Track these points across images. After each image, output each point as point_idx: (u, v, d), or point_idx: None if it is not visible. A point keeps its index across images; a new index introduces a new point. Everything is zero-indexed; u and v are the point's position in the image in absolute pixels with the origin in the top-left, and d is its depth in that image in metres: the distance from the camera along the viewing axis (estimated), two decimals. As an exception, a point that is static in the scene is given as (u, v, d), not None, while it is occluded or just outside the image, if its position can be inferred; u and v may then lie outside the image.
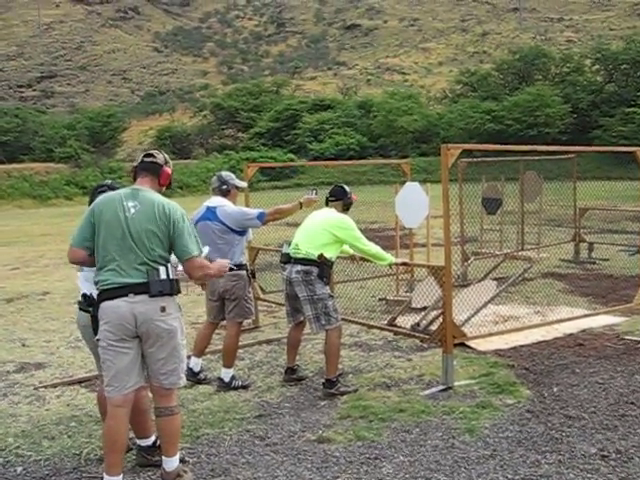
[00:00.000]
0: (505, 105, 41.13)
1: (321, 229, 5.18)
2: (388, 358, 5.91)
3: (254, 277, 5.89)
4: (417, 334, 5.70)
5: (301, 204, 5.49)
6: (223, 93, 57.99)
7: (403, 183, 7.83)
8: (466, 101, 44.63)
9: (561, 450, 3.92)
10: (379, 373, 5.50)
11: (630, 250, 11.04)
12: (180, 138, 50.51)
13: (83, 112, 50.92)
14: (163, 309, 3.53)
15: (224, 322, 5.53)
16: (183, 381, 3.72)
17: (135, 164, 3.82)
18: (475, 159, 11.13)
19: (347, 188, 5.48)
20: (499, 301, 7.25)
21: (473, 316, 5.98)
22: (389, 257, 5.41)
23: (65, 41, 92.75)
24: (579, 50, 53.90)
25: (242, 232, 5.37)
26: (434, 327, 5.50)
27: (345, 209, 5.42)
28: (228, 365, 5.30)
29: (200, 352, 5.55)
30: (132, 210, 3.58)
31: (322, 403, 4.88)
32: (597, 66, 44.86)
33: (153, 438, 3.95)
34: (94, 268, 3.66)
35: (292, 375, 5.40)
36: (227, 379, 5.26)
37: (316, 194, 5.63)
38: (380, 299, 8.24)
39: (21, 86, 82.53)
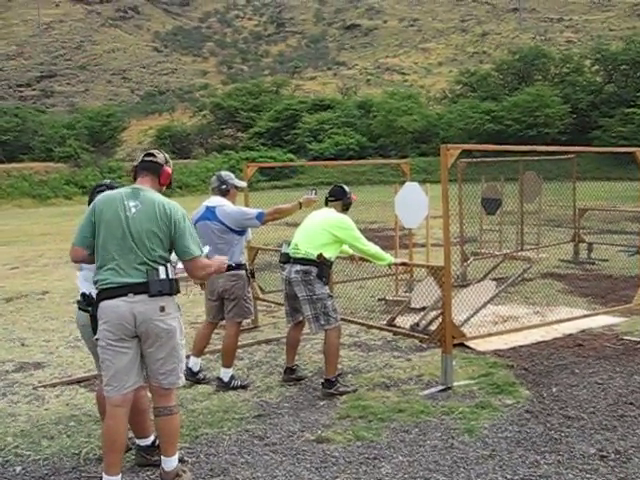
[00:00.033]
0: (505, 105, 41.14)
1: (320, 229, 5.18)
2: (387, 358, 5.91)
3: (253, 277, 5.89)
4: (416, 334, 5.71)
5: (300, 204, 5.48)
6: (223, 93, 57.98)
7: (403, 183, 7.83)
8: (466, 101, 44.63)
9: (560, 450, 3.92)
10: (378, 373, 5.50)
11: (629, 250, 11.04)
12: (180, 138, 50.50)
13: (83, 112, 50.90)
14: (162, 309, 3.52)
15: (223, 322, 5.53)
16: (182, 381, 3.72)
17: (135, 163, 3.82)
18: (475, 159, 11.14)
19: (347, 188, 5.48)
20: (498, 301, 7.26)
21: (472, 316, 5.98)
22: (388, 257, 5.41)
23: (65, 40, 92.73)
24: (579, 50, 53.93)
25: (241, 232, 5.37)
26: (433, 327, 5.50)
27: (344, 209, 5.42)
28: (227, 365, 5.30)
29: (199, 352, 5.54)
30: (133, 210, 3.57)
31: (321, 403, 4.88)
32: (597, 66, 44.88)
33: (152, 438, 3.95)
34: (94, 267, 3.66)
35: (291, 375, 5.40)
36: (226, 379, 5.26)
37: (315, 194, 5.62)
38: (379, 299, 8.24)
39: (21, 85, 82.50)
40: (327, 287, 5.16)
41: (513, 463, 3.78)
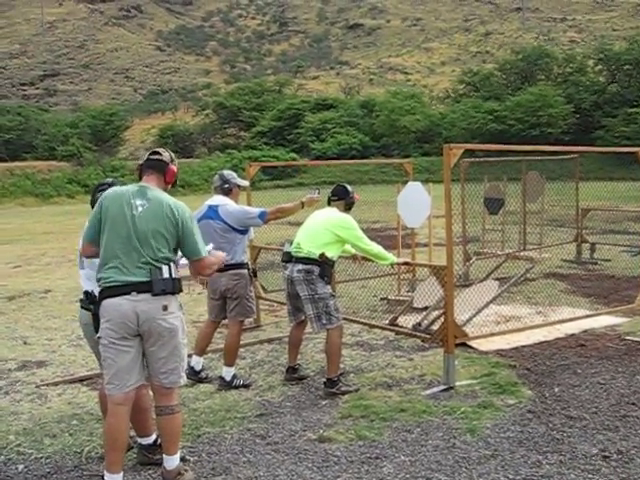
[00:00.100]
0: (508, 105, 41.11)
1: (323, 228, 5.17)
2: (389, 358, 5.91)
3: (255, 276, 5.89)
4: (418, 334, 5.70)
5: (303, 203, 5.47)
6: (225, 92, 58.01)
7: (405, 183, 7.81)
8: (469, 101, 44.62)
9: (562, 450, 3.92)
10: (380, 373, 5.49)
11: (632, 251, 11.03)
12: (182, 137, 50.56)
13: (86, 110, 51.02)
14: (165, 308, 3.53)
15: (225, 321, 5.53)
16: (183, 380, 3.72)
17: (141, 162, 3.82)
18: (477, 159, 11.12)
19: (349, 188, 5.48)
20: (501, 301, 7.25)
21: (475, 316, 5.98)
22: (391, 257, 5.41)
23: (68, 39, 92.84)
24: (582, 50, 53.90)
25: (244, 231, 5.37)
26: (436, 327, 5.49)
27: (347, 209, 5.41)
28: (229, 364, 5.30)
29: (201, 351, 5.55)
30: (140, 208, 3.57)
31: (323, 402, 4.88)
32: (600, 66, 44.84)
33: (154, 437, 3.95)
34: (96, 266, 3.66)
35: (293, 374, 5.40)
36: (228, 378, 5.26)
37: (318, 193, 5.62)
38: (382, 299, 8.23)
39: (24, 84, 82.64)
40: (329, 286, 5.16)
41: (515, 463, 3.78)
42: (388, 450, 4.01)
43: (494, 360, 5.69)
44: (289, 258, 5.23)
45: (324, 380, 5.11)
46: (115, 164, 39.07)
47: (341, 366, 5.27)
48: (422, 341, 6.04)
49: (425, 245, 9.62)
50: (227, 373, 5.28)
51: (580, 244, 10.99)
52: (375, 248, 5.27)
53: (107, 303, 3.51)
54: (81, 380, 5.55)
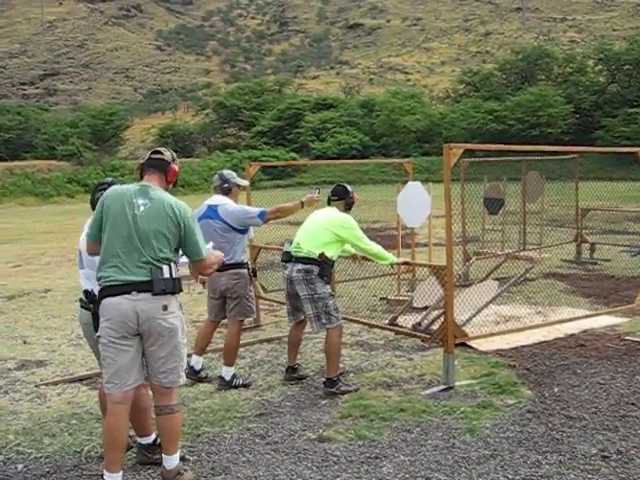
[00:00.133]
0: (507, 105, 41.12)
1: (323, 228, 5.17)
2: (389, 357, 5.91)
3: (255, 275, 5.89)
4: (418, 334, 5.70)
5: (303, 203, 5.47)
6: (225, 92, 58.03)
7: (405, 182, 7.81)
8: (469, 101, 44.62)
9: (562, 450, 3.92)
10: (380, 372, 5.49)
11: (632, 251, 11.03)
12: (182, 136, 50.56)
13: (85, 110, 51.04)
14: (165, 307, 3.53)
15: (225, 320, 5.53)
16: (183, 380, 3.72)
17: (142, 161, 3.81)
18: (477, 159, 11.12)
19: (349, 187, 5.48)
20: (500, 301, 7.25)
21: (474, 316, 5.98)
22: (390, 257, 5.41)
23: (68, 39, 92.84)
24: (582, 50, 53.90)
25: (243, 230, 5.37)
26: (435, 327, 5.50)
27: (347, 208, 5.41)
28: (229, 363, 5.30)
29: (201, 350, 5.55)
30: (142, 208, 3.57)
31: (323, 402, 4.88)
32: (600, 66, 44.85)
33: (154, 436, 3.95)
34: (95, 266, 3.66)
35: (293, 374, 5.40)
36: (228, 377, 5.26)
37: (318, 193, 5.62)
38: (381, 298, 8.24)
39: (24, 84, 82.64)
40: (329, 286, 5.16)
41: (515, 463, 3.78)
42: (388, 450, 4.01)
43: (494, 360, 5.69)
44: (289, 258, 5.23)
45: (324, 380, 5.11)
46: (115, 164, 39.07)
47: (341, 366, 5.27)
48: (422, 341, 6.04)
49: (425, 245, 9.62)
50: (227, 373, 5.28)
51: (580, 244, 10.99)
52: (375, 248, 5.27)
53: (107, 302, 3.51)
54: (81, 379, 5.55)
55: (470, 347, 5.96)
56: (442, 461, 3.83)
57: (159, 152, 3.80)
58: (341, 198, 5.40)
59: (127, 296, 3.47)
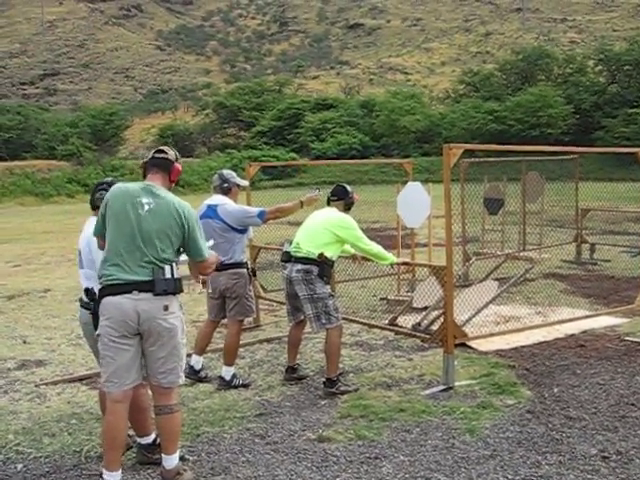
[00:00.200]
0: (508, 105, 41.13)
1: (322, 228, 5.17)
2: (389, 358, 5.91)
3: (255, 275, 5.89)
4: (418, 334, 5.70)
5: (302, 203, 5.47)
6: (226, 92, 58.05)
7: (405, 183, 7.81)
8: (469, 101, 44.63)
9: (561, 451, 3.92)
10: (380, 372, 5.49)
11: (632, 251, 11.03)
12: (182, 136, 50.57)
13: (85, 110, 51.02)
14: (166, 308, 3.53)
15: (225, 320, 5.53)
16: (182, 380, 3.72)
17: (145, 160, 3.81)
18: (477, 159, 11.11)
19: (349, 188, 5.47)
20: (500, 301, 7.25)
21: (474, 316, 5.98)
22: (390, 257, 5.41)
23: (68, 39, 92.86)
24: (582, 51, 53.95)
25: (243, 230, 5.37)
26: (435, 327, 5.50)
27: (347, 209, 5.41)
28: (229, 363, 5.30)
29: (201, 350, 5.55)
30: (146, 207, 3.56)
31: (322, 402, 4.88)
32: (600, 67, 44.86)
33: (153, 436, 3.95)
34: (95, 265, 3.66)
35: (293, 374, 5.40)
36: (228, 377, 5.26)
37: (319, 192, 5.62)
38: (381, 299, 8.24)
39: (24, 83, 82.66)
40: (328, 286, 5.16)
41: (514, 463, 3.78)
42: (387, 450, 4.01)
43: (493, 360, 5.69)
44: (288, 258, 5.23)
45: (323, 380, 5.11)
46: (115, 163, 39.05)
47: (340, 366, 5.27)
48: (422, 341, 6.04)
49: (425, 245, 9.61)
50: (226, 373, 5.28)
51: (580, 244, 10.99)
52: (375, 248, 5.27)
53: (107, 301, 3.50)
54: (80, 379, 5.55)
55: (470, 347, 5.96)
56: (442, 461, 3.83)
57: (163, 151, 3.80)
58: (341, 198, 5.40)
59: (128, 295, 3.47)
